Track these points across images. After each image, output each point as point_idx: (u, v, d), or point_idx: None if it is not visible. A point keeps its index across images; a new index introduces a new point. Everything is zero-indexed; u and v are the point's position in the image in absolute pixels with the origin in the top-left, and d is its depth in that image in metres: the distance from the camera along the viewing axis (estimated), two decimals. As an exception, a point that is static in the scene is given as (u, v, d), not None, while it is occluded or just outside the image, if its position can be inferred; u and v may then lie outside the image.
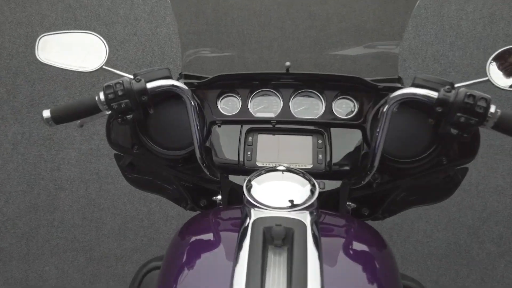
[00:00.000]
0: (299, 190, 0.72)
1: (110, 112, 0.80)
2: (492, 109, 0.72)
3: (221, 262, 0.66)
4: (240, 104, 0.96)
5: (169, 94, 0.91)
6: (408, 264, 2.05)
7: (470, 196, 2.12)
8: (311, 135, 0.92)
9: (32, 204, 2.18)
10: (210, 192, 1.05)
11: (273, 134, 0.93)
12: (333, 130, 0.92)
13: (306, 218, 0.66)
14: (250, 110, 0.96)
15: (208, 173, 0.95)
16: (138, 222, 2.14)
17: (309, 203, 0.68)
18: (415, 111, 0.90)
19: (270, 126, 0.94)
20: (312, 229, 0.64)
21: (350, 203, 0.99)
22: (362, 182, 0.91)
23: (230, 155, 0.92)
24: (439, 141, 0.90)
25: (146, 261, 1.04)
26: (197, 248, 0.72)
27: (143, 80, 0.79)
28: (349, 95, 0.95)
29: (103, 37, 0.90)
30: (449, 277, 2.01)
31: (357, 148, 0.91)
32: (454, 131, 0.74)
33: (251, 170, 0.85)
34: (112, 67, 0.90)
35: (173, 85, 0.81)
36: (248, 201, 0.70)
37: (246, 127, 0.93)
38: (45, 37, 0.90)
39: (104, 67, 0.90)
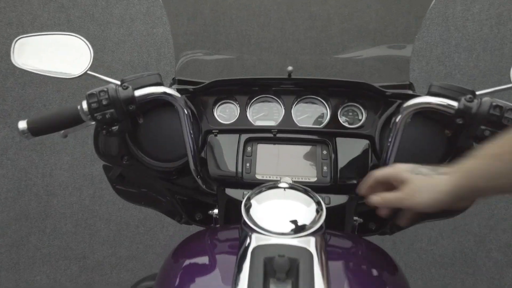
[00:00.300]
0: (304, 210, 0.66)
1: (94, 122, 0.75)
2: None
3: None
4: (238, 111, 0.91)
5: (161, 101, 0.86)
6: (412, 272, 2.01)
7: (476, 203, 2.07)
8: (315, 145, 0.87)
9: (22, 211, 2.13)
10: (206, 206, 1.00)
11: (274, 144, 0.88)
12: (338, 140, 0.87)
13: (312, 244, 0.60)
14: (249, 118, 0.91)
15: (203, 186, 0.90)
16: (133, 228, 2.10)
17: (316, 227, 0.62)
18: (430, 121, 0.85)
19: (270, 135, 0.89)
20: (319, 258, 0.58)
21: (356, 218, 0.93)
22: None
23: (227, 166, 0.86)
24: (455, 153, 0.84)
25: (138, 280, 0.99)
26: (191, 272, 0.67)
27: (130, 87, 0.74)
28: (356, 102, 0.90)
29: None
30: (454, 287, 1.98)
31: (365, 160, 0.86)
32: (476, 145, 0.69)
33: (250, 183, 0.81)
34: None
35: (164, 93, 0.76)
36: (246, 223, 0.64)
37: (244, 137, 0.88)
38: (22, 39, 0.84)
39: (88, 72, 0.84)
